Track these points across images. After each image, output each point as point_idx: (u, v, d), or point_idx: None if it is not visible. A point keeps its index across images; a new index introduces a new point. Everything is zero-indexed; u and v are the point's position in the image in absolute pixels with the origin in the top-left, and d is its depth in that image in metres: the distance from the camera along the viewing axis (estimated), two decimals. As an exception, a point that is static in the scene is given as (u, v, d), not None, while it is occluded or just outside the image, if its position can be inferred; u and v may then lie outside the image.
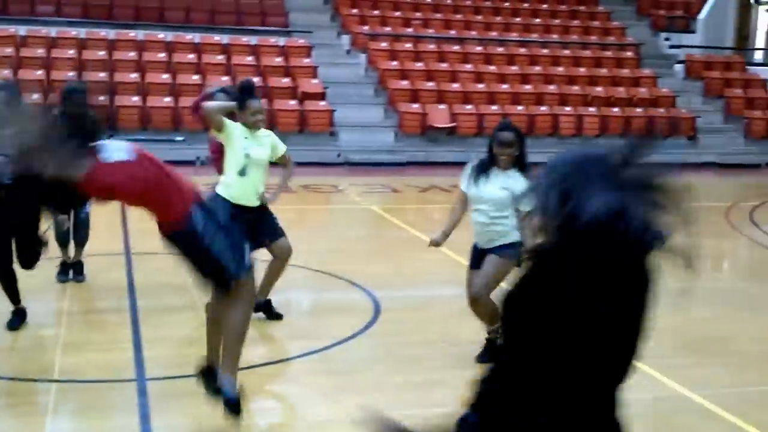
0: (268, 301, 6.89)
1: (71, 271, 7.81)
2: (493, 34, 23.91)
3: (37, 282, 6.89)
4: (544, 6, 25.79)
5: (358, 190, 14.70)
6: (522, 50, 23.31)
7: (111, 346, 6.20)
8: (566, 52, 23.62)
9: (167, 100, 18.44)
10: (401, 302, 7.63)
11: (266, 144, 6.61)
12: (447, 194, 13.63)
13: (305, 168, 17.35)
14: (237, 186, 6.44)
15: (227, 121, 6.37)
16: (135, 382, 5.44)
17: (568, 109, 21.11)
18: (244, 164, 6.42)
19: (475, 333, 6.48)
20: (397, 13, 24.01)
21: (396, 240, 10.61)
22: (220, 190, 6.45)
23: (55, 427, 4.85)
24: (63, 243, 7.76)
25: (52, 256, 7.19)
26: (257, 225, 6.54)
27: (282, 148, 6.77)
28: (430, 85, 20.98)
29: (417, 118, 19.64)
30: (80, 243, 7.85)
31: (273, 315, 6.90)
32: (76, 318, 6.72)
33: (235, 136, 6.41)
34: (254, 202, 6.53)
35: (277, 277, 6.84)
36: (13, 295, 6.40)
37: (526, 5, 25.62)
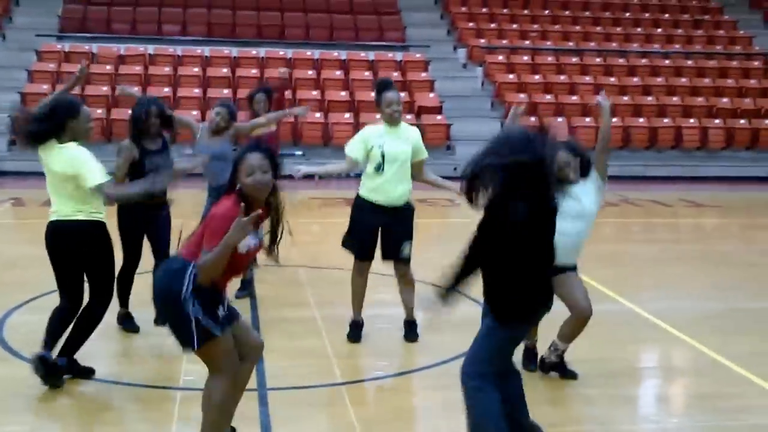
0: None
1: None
2: (613, 45, 23.49)
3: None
4: (666, 15, 25.19)
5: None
6: (643, 61, 22.81)
7: (233, 356, 6.34)
8: (689, 62, 22.98)
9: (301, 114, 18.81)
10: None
11: (407, 140, 6.57)
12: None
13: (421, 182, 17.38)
14: (374, 183, 6.48)
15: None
16: (256, 392, 5.55)
17: (692, 121, 20.52)
18: (379, 161, 6.45)
19: (592, 349, 6.37)
20: (514, 26, 23.87)
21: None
22: (361, 191, 6.57)
23: (181, 433, 4.98)
24: None
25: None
26: (394, 229, 6.53)
27: (423, 154, 6.70)
28: (548, 98, 20.76)
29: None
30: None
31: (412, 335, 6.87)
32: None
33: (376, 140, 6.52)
34: (393, 203, 6.52)
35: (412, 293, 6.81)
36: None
37: (647, 15, 25.09)
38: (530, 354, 6.07)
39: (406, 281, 6.75)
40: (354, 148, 6.59)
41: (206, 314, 4.13)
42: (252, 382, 5.67)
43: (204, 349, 4.17)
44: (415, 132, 6.72)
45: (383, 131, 6.56)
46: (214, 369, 4.27)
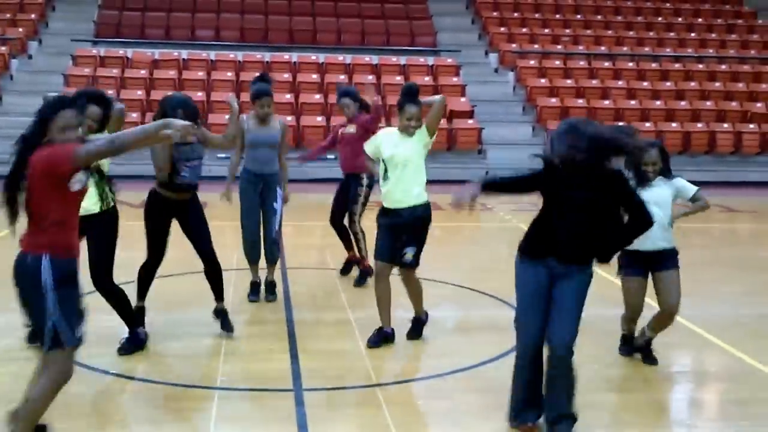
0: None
1: (262, 290, 8.03)
2: (646, 49, 23.38)
3: (199, 292, 7.18)
4: (700, 20, 25.03)
5: (507, 208, 14.63)
6: (676, 65, 22.69)
7: (269, 357, 6.42)
8: (723, 67, 22.82)
9: (320, 119, 18.92)
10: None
11: (412, 143, 6.58)
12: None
13: (454, 186, 17.34)
14: (384, 189, 6.59)
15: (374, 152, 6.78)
16: (292, 392, 5.61)
17: (725, 125, 20.37)
18: (384, 167, 6.59)
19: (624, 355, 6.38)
20: (546, 31, 23.83)
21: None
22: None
23: (219, 432, 5.05)
24: (253, 261, 7.96)
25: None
26: (400, 233, 6.56)
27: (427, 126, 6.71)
28: (580, 102, 20.71)
29: (566, 136, 19.37)
30: (272, 261, 8.02)
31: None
32: (236, 328, 6.96)
33: (384, 145, 6.63)
34: (396, 205, 6.55)
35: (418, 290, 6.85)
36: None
37: (680, 20, 24.95)
38: (628, 340, 6.60)
39: (408, 285, 6.79)
40: (369, 145, 6.85)
41: (66, 321, 4.21)
42: (288, 382, 5.78)
43: (51, 354, 4.25)
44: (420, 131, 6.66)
45: (396, 139, 6.61)
46: (50, 371, 4.30)
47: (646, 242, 5.96)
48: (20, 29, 21.66)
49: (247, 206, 7.83)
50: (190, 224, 6.63)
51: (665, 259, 6.19)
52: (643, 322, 6.48)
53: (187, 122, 4.17)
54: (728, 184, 18.84)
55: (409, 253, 6.56)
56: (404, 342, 6.81)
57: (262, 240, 7.92)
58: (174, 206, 6.56)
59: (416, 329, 6.92)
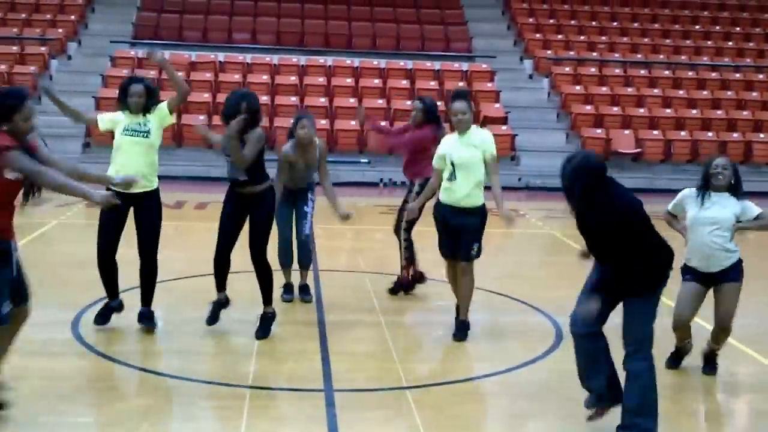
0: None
1: (295, 292, 8.12)
2: (683, 57, 23.21)
3: (233, 291, 7.25)
4: (737, 29, 24.81)
5: (539, 214, 14.63)
6: (713, 74, 22.51)
7: (300, 357, 6.48)
8: (760, 76, 22.62)
9: (353, 123, 19.00)
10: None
11: (474, 145, 6.81)
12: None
13: (486, 192, 17.37)
14: (446, 186, 6.87)
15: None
16: (323, 393, 5.67)
17: (762, 135, 20.18)
18: (450, 170, 6.82)
19: (659, 362, 6.35)
20: (582, 38, 23.74)
21: (578, 266, 10.43)
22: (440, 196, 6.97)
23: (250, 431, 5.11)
24: (285, 266, 8.03)
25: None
26: (462, 229, 6.83)
27: (490, 149, 6.87)
28: (615, 109, 20.62)
29: (600, 143, 19.34)
30: (305, 265, 8.11)
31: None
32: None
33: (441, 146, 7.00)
34: (459, 203, 6.82)
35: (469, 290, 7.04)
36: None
37: (717, 28, 24.73)
38: (675, 354, 6.57)
39: (464, 277, 6.97)
40: (437, 160, 7.03)
41: None
42: (319, 383, 5.84)
43: None
44: (483, 134, 6.94)
45: (455, 139, 6.91)
46: None
47: (706, 265, 6.15)
48: (60, 30, 21.99)
49: (281, 213, 7.90)
50: (251, 222, 6.75)
51: (727, 273, 6.21)
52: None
53: (106, 195, 4.86)
54: (764, 195, 18.63)
55: (474, 248, 6.90)
56: (435, 345, 6.86)
57: (295, 244, 7.99)
58: (243, 200, 6.68)
59: (462, 330, 7.01)
